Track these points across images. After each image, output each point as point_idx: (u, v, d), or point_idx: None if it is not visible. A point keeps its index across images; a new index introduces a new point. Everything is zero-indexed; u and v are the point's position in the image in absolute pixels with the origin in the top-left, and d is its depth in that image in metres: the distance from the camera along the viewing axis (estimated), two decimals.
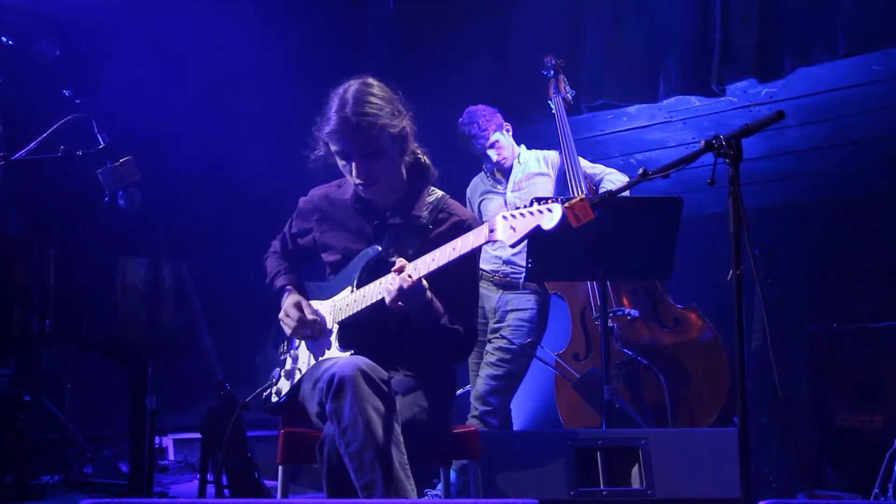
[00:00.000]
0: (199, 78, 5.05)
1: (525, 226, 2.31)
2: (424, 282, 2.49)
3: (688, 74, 4.72)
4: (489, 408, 4.21)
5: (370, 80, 2.70)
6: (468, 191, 4.63)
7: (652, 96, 4.90)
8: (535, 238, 3.47)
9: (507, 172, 4.45)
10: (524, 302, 4.33)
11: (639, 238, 3.51)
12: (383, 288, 2.51)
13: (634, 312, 4.13)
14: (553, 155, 4.42)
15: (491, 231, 2.36)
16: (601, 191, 4.25)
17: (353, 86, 2.66)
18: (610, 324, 4.00)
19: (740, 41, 4.51)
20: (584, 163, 4.37)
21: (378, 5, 6.24)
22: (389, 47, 6.14)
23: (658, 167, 2.50)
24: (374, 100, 2.63)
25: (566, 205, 2.34)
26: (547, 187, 4.34)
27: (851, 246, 5.08)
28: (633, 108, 5.18)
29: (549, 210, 2.29)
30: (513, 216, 2.33)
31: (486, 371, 4.26)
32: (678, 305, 4.21)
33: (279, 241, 3.05)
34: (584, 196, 2.40)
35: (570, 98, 4.57)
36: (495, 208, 4.39)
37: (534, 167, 4.40)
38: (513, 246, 2.38)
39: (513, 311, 4.32)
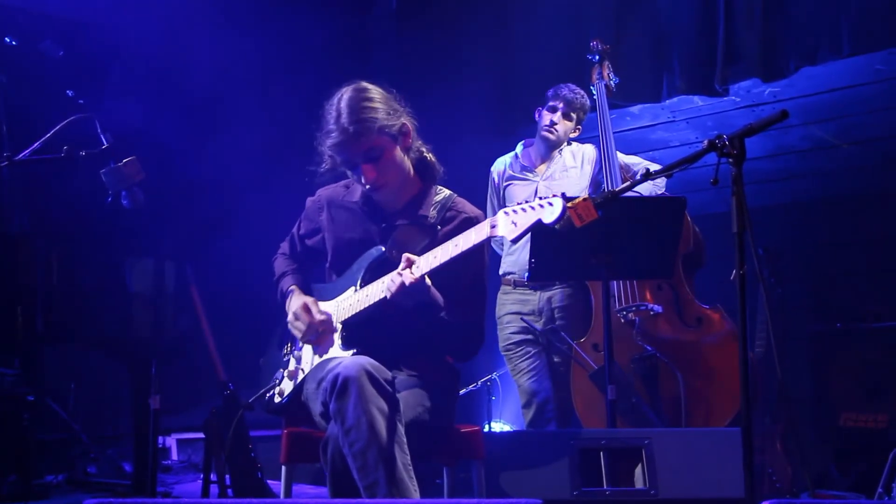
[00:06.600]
0: (202, 78, 5.05)
1: (526, 220, 2.31)
2: (427, 279, 2.49)
3: (691, 74, 4.71)
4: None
5: (362, 84, 2.70)
6: (493, 167, 4.50)
7: (655, 96, 4.89)
8: (538, 237, 3.50)
9: (540, 153, 4.38)
10: (565, 297, 4.27)
11: (642, 238, 3.50)
12: (385, 284, 2.52)
13: (657, 308, 4.07)
14: (588, 149, 4.36)
15: (493, 227, 2.38)
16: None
17: (345, 94, 2.66)
18: (632, 317, 3.98)
19: (744, 41, 4.51)
20: (619, 154, 4.30)
21: (381, 6, 6.23)
22: (392, 48, 6.14)
23: (661, 167, 2.51)
24: (367, 104, 2.63)
25: (569, 204, 2.34)
26: (580, 182, 4.28)
27: (855, 246, 5.08)
28: (636, 108, 5.17)
29: (550, 204, 2.30)
30: (514, 211, 2.34)
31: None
32: (703, 305, 4.16)
33: (287, 242, 3.06)
34: (587, 196, 2.41)
35: (613, 85, 4.44)
36: (525, 195, 4.25)
37: (569, 161, 4.35)
38: (514, 241, 2.38)
39: (556, 307, 4.26)
